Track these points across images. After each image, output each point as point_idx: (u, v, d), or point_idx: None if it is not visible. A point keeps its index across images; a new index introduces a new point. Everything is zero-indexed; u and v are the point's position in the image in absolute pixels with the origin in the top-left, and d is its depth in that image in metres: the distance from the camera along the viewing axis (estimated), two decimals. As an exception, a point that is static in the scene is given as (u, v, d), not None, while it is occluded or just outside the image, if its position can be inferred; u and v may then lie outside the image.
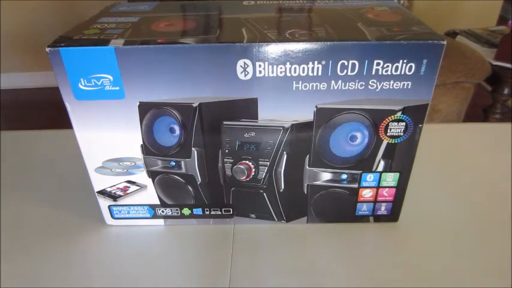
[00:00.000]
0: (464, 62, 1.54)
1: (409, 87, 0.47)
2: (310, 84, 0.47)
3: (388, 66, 0.45)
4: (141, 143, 0.52)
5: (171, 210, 0.59)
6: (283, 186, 0.55)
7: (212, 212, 0.59)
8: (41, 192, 0.68)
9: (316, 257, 0.55)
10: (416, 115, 0.49)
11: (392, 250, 0.56)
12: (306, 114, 0.49)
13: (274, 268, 0.54)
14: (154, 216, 0.60)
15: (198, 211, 0.59)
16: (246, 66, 0.46)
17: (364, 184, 0.55)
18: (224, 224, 0.61)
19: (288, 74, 0.46)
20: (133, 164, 0.54)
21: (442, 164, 0.71)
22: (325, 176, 0.54)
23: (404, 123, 0.49)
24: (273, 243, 0.57)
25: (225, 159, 0.54)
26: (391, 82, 0.47)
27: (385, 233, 0.59)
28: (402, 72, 0.46)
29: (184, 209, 0.59)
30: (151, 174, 0.55)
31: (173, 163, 0.54)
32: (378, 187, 0.56)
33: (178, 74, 0.46)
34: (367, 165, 0.53)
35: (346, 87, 0.47)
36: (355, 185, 0.55)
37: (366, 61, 0.45)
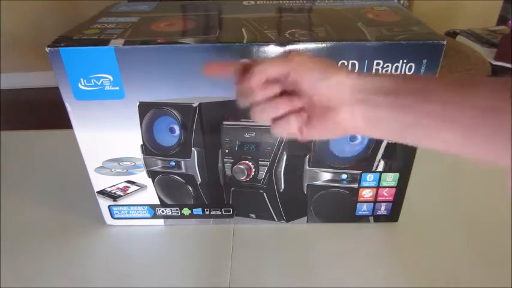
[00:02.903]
0: (464, 62, 1.54)
1: (409, 87, 0.47)
2: (310, 84, 0.47)
3: (388, 66, 0.45)
4: (141, 143, 0.52)
5: (171, 210, 0.59)
6: (283, 186, 0.55)
7: (212, 212, 0.59)
8: (41, 192, 0.68)
9: (316, 257, 0.55)
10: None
11: (392, 250, 0.56)
12: (306, 114, 0.49)
13: (274, 268, 0.54)
14: (154, 216, 0.60)
15: (198, 211, 0.59)
16: (246, 66, 0.45)
17: (364, 184, 0.55)
18: (224, 224, 0.61)
19: (288, 74, 0.46)
20: (133, 164, 0.54)
21: (442, 164, 0.71)
22: (325, 176, 0.54)
23: (404, 123, 0.49)
24: (273, 243, 0.57)
25: (225, 159, 0.54)
26: (391, 82, 0.46)
27: (385, 233, 0.59)
28: (402, 72, 0.46)
29: (184, 209, 0.59)
30: (151, 174, 0.55)
31: (173, 163, 0.54)
32: (378, 187, 0.56)
33: (178, 74, 0.46)
34: (367, 165, 0.53)
35: (346, 87, 0.47)
36: (355, 185, 0.55)
37: (366, 61, 0.45)
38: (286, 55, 0.35)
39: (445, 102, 0.29)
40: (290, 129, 0.36)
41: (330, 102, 0.34)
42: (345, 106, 0.33)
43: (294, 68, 0.34)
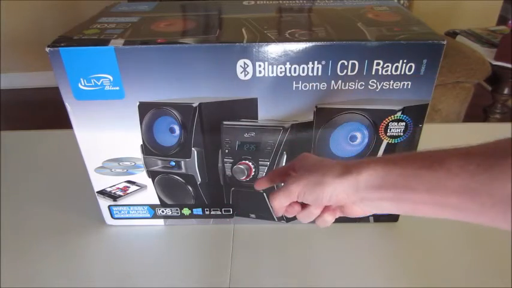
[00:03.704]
0: (464, 62, 1.54)
1: (409, 87, 0.47)
2: (310, 84, 0.47)
3: (388, 66, 0.45)
4: (141, 143, 0.52)
5: (171, 210, 0.59)
6: (283, 186, 0.55)
7: (212, 212, 0.59)
8: (41, 192, 0.68)
9: (316, 257, 0.55)
10: (416, 115, 0.49)
11: (392, 250, 0.56)
12: (306, 114, 0.49)
13: (274, 268, 0.54)
14: (154, 216, 0.60)
15: (198, 211, 0.59)
16: (246, 66, 0.46)
17: (364, 184, 0.55)
18: (224, 224, 0.61)
19: (288, 74, 0.46)
20: (133, 164, 0.54)
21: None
22: (325, 176, 0.54)
23: (404, 123, 0.49)
24: (273, 243, 0.57)
25: (225, 159, 0.54)
26: (391, 82, 0.47)
27: (385, 233, 0.59)
28: (402, 72, 0.46)
29: (184, 209, 0.59)
30: (151, 174, 0.55)
31: (173, 163, 0.54)
32: (378, 187, 0.55)
33: (178, 74, 0.46)
34: (367, 165, 0.53)
35: (346, 87, 0.47)
36: (355, 185, 0.55)
37: (366, 61, 0.45)
38: (287, 187, 0.39)
39: (429, 189, 0.31)
40: (329, 223, 0.42)
41: (337, 204, 0.38)
42: (350, 204, 0.37)
43: (299, 196, 0.38)
